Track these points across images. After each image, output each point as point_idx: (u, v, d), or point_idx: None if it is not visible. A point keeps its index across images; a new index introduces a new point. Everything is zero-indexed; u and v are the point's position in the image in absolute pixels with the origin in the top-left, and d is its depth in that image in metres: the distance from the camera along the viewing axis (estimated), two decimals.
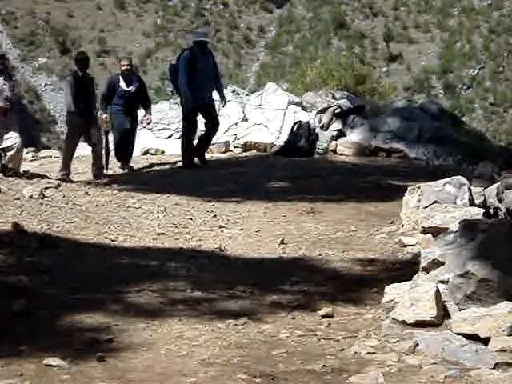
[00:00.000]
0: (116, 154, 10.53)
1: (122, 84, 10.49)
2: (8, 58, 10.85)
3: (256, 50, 51.83)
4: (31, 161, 11.48)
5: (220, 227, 6.60)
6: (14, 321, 4.04)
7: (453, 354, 3.45)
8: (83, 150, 13.97)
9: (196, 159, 10.38)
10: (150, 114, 10.80)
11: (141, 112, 10.83)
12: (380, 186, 8.98)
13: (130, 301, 4.43)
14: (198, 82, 10.13)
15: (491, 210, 5.93)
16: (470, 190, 6.03)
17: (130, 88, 10.44)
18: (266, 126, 12.91)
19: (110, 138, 10.68)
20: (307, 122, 12.22)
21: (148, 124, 11.43)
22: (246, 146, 11.95)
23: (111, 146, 10.66)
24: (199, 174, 9.92)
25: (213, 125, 10.56)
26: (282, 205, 7.69)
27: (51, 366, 3.45)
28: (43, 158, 12.02)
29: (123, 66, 10.67)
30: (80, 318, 4.11)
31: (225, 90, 15.11)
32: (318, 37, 51.40)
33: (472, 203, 5.91)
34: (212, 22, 52.57)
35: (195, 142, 10.57)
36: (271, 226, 6.73)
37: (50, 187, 8.00)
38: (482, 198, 6.10)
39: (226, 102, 10.85)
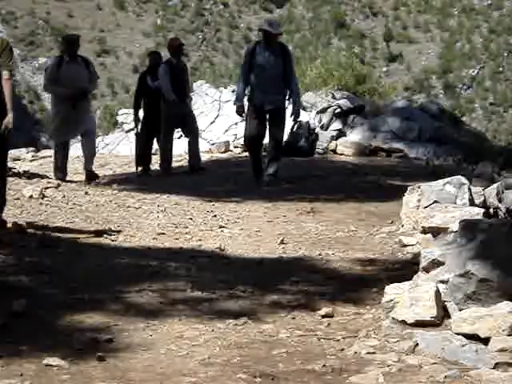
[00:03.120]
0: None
1: (148, 80, 9.97)
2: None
3: None
4: (31, 161, 11.49)
5: (220, 227, 6.60)
6: (13, 321, 4.03)
7: (453, 354, 3.44)
8: (80, 150, 13.94)
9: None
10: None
11: None
12: (380, 185, 8.98)
13: (129, 301, 4.43)
14: (258, 82, 8.77)
15: (491, 210, 5.93)
16: (470, 189, 6.03)
17: (154, 83, 9.87)
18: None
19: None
20: (307, 122, 12.23)
21: None
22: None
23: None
24: (199, 174, 9.92)
25: (272, 136, 8.99)
26: (281, 205, 7.69)
27: (51, 365, 3.44)
28: (43, 157, 12.01)
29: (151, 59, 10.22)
30: (80, 318, 4.11)
31: (226, 90, 15.07)
32: (317, 37, 51.38)
33: (472, 203, 5.91)
34: (212, 21, 52.57)
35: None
36: (271, 225, 6.73)
37: (50, 187, 8.00)
38: (482, 198, 6.10)
39: (297, 116, 9.08)
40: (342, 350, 3.67)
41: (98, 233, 6.11)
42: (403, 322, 3.82)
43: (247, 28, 52.13)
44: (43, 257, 5.30)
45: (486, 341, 3.53)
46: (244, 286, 4.71)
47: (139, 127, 10.13)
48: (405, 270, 4.92)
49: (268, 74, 8.71)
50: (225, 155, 11.92)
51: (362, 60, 37.26)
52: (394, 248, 5.75)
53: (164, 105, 9.81)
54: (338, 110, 12.95)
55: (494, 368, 3.31)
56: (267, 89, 8.74)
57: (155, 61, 10.24)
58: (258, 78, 8.76)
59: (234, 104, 9.04)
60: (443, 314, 3.85)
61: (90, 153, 9.22)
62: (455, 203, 5.85)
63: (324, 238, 6.23)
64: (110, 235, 6.08)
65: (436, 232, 5.12)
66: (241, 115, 9.13)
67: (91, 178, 9.04)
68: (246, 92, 8.93)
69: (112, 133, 15.66)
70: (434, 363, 3.38)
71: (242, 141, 12.32)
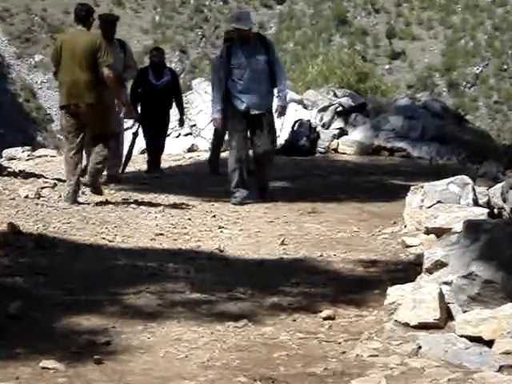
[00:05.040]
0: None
1: (151, 77, 9.72)
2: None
3: None
4: (27, 160, 11.46)
5: (219, 227, 6.55)
6: (9, 323, 3.99)
7: (456, 357, 3.40)
8: None
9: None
10: (183, 115, 10.00)
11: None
12: (382, 185, 8.95)
13: (127, 302, 4.38)
14: (239, 85, 7.62)
15: (495, 210, 5.90)
16: (473, 189, 6.00)
17: (159, 82, 9.66)
18: None
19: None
20: (308, 121, 12.20)
21: (181, 126, 10.48)
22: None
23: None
24: (199, 174, 9.89)
25: (256, 147, 7.85)
26: (282, 205, 7.66)
27: (48, 368, 3.40)
28: (39, 157, 11.96)
29: (152, 56, 9.91)
30: (77, 320, 4.07)
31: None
32: (319, 33, 51.47)
33: (476, 203, 5.87)
34: (211, 18, 52.63)
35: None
36: (271, 226, 6.69)
37: (46, 187, 7.93)
38: (486, 198, 6.07)
39: (281, 114, 7.85)
40: (344, 352, 3.63)
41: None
42: (406, 325, 3.78)
43: None
44: (40, 258, 5.26)
45: (490, 343, 3.49)
46: (244, 287, 4.67)
47: (137, 127, 9.85)
48: (408, 271, 4.88)
49: (251, 74, 7.56)
50: (224, 154, 11.87)
51: (364, 57, 37.26)
52: (396, 249, 5.71)
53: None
54: (340, 108, 12.91)
55: (498, 371, 3.27)
56: (252, 91, 7.59)
57: (157, 57, 10.02)
58: (240, 82, 7.59)
59: (212, 117, 7.96)
60: (446, 316, 3.81)
61: (114, 156, 8.53)
62: (459, 203, 5.82)
63: (325, 238, 6.19)
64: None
65: (439, 232, 5.07)
66: (221, 129, 8.40)
67: (112, 181, 8.58)
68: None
69: None
70: (438, 366, 3.34)
71: None
